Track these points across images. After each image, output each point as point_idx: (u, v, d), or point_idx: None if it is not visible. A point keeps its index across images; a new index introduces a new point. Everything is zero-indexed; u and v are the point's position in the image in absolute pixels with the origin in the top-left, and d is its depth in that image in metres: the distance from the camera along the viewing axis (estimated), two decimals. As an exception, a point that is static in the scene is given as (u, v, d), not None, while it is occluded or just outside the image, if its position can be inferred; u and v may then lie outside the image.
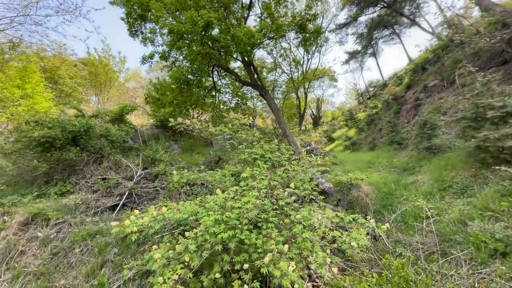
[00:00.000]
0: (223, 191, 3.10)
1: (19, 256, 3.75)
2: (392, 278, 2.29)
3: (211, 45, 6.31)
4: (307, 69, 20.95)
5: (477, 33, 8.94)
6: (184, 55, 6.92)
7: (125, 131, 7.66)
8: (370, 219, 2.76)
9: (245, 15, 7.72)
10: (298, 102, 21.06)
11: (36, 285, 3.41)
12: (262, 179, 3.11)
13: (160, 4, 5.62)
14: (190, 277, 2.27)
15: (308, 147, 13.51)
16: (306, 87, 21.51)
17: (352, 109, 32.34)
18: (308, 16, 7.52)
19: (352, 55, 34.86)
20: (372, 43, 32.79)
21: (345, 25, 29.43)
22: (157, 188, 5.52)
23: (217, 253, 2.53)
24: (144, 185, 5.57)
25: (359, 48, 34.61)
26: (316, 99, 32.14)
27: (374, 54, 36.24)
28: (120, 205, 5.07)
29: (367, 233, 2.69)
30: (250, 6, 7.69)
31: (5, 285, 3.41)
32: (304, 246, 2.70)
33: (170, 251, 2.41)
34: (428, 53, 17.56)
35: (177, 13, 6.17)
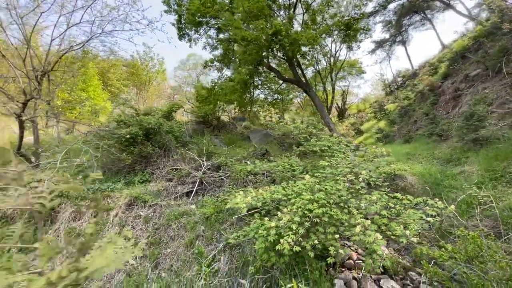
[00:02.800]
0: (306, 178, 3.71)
1: (131, 230, 4.69)
2: (467, 248, 2.77)
3: (276, 48, 6.94)
4: (335, 61, 20.89)
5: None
6: (244, 59, 7.58)
7: (180, 127, 8.57)
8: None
9: (292, 16, 8.21)
10: (325, 95, 21.12)
11: (150, 252, 4.32)
12: (339, 167, 3.68)
13: (235, 18, 6.32)
14: (300, 241, 2.90)
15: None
16: (334, 79, 21.43)
17: (379, 100, 31.49)
18: (356, 15, 7.82)
19: (379, 44, 33.45)
20: (401, 30, 31.37)
21: (373, 13, 28.42)
22: (222, 177, 6.29)
23: (313, 225, 3.16)
24: (210, 174, 6.37)
25: (386, 36, 33.16)
26: (341, 91, 31.63)
27: (403, 42, 34.54)
28: (193, 191, 5.92)
29: (427, 215, 3.14)
30: (295, 7, 8.15)
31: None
32: (381, 222, 3.24)
33: (280, 221, 3.06)
34: (467, 39, 16.70)
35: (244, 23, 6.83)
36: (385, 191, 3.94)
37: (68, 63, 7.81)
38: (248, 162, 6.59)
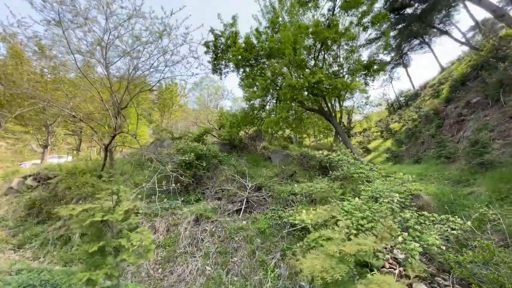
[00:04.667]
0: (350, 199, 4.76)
1: (201, 242, 5.67)
2: (483, 253, 3.76)
3: (315, 92, 8.31)
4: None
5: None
6: (285, 99, 8.92)
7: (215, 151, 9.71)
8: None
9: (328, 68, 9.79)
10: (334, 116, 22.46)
11: (220, 259, 5.27)
12: (379, 191, 4.74)
13: (284, 71, 7.80)
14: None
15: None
16: (342, 103, 22.86)
17: (384, 119, 32.93)
18: (376, 60, 9.27)
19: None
20: (401, 54, 33.44)
21: (376, 39, 30.52)
22: (264, 197, 7.31)
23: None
24: (254, 194, 7.40)
25: (387, 59, 35.20)
26: (347, 110, 33.10)
27: (403, 64, 36.70)
28: (242, 209, 6.92)
29: (451, 229, 4.14)
30: (324, 57, 9.69)
31: (200, 259, 5.30)
32: (415, 234, 4.25)
33: (338, 234, 4.07)
34: (466, 67, 18.23)
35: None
36: (414, 210, 4.96)
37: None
38: (291, 184, 7.60)
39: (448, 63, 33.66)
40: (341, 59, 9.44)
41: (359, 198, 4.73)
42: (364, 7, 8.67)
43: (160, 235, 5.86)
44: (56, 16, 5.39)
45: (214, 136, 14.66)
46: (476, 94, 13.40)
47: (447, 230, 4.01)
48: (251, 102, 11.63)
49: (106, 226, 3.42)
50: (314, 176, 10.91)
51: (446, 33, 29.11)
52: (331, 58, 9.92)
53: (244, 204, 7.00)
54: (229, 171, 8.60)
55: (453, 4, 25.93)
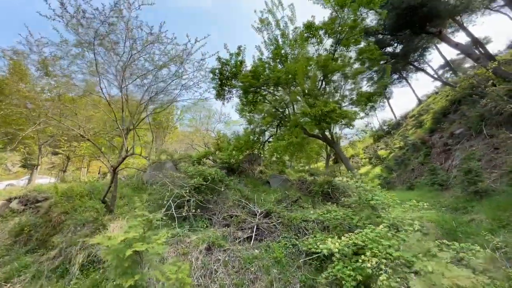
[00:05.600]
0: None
1: (215, 273, 5.31)
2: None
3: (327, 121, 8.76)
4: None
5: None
6: (295, 125, 9.24)
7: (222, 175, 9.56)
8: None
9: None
10: (326, 144, 23.19)
11: (238, 293, 4.93)
12: (400, 217, 4.82)
13: (299, 98, 8.26)
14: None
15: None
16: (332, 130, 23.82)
17: (369, 146, 34.51)
18: (376, 92, 10.06)
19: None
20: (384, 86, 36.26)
21: (360, 72, 33.04)
22: (274, 223, 7.14)
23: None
24: (263, 220, 7.21)
25: (370, 91, 37.78)
26: (337, 138, 34.32)
27: (385, 96, 39.65)
28: (253, 237, 6.67)
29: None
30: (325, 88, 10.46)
31: (216, 293, 4.93)
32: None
33: (369, 263, 4.02)
34: (444, 101, 19.98)
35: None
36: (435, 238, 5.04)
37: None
38: (297, 210, 7.51)
39: (424, 96, 37.23)
40: (343, 91, 10.18)
41: (377, 226, 4.77)
42: (361, 45, 9.61)
43: (170, 264, 5.44)
44: (88, 37, 5.45)
45: (209, 160, 14.49)
46: (459, 126, 14.52)
47: (472, 258, 4.09)
48: (251, 126, 11.87)
49: (138, 256, 3.18)
50: (317, 202, 10.91)
51: (422, 70, 32.29)
52: (332, 89, 10.63)
53: (254, 231, 6.77)
54: (234, 195, 8.41)
55: (426, 46, 29.07)
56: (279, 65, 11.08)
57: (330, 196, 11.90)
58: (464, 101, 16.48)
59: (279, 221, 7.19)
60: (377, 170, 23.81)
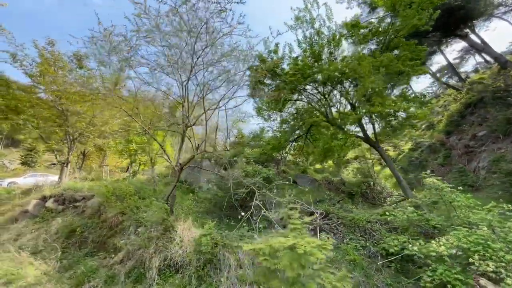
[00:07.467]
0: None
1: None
2: None
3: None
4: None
5: None
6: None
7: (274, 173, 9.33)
8: None
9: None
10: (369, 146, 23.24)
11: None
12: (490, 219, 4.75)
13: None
14: None
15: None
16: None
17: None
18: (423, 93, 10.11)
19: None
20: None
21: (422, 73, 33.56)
22: (335, 224, 6.97)
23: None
24: (324, 221, 7.03)
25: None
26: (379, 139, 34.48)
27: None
28: (318, 238, 6.48)
29: None
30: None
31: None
32: None
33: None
34: (459, 104, 20.37)
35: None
36: None
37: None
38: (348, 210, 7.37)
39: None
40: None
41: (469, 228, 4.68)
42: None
43: (247, 269, 5.20)
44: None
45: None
46: (481, 128, 14.77)
47: None
48: (284, 126, 11.74)
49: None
50: (358, 202, 10.84)
51: (428, 72, 32.94)
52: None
53: (318, 233, 6.59)
54: (286, 195, 8.20)
55: (432, 50, 29.62)
56: (315, 64, 10.94)
57: (366, 197, 11.89)
58: (479, 105, 16.84)
59: (339, 222, 7.03)
60: (388, 171, 24.02)
